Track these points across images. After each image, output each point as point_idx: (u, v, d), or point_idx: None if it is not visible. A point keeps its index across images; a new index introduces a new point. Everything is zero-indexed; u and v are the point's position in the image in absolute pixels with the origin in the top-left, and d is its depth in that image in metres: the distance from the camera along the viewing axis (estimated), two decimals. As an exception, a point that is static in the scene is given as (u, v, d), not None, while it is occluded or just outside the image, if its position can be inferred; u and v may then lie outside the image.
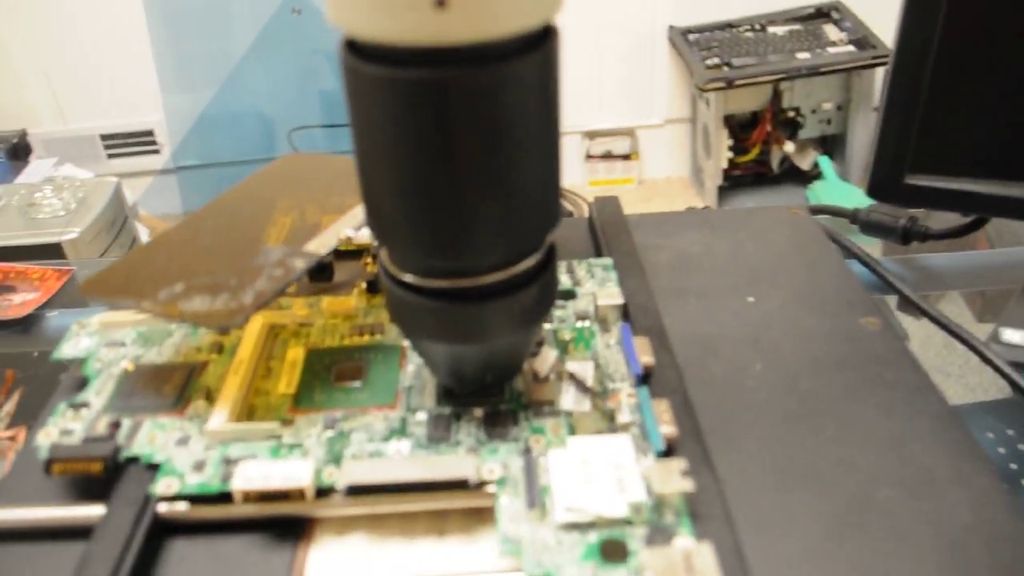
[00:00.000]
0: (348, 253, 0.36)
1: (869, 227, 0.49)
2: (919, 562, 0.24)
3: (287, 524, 0.25)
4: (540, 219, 0.23)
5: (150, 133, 1.91)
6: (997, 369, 0.37)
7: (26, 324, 0.50)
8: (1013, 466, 0.43)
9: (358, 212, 0.31)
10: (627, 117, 1.90)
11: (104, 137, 1.91)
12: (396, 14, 0.18)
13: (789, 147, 1.78)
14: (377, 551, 0.25)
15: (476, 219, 0.22)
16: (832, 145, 1.83)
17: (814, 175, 1.80)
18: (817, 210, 0.51)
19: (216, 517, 0.25)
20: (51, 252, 1.17)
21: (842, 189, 1.71)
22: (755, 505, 0.25)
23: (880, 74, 1.72)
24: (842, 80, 1.72)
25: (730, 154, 1.76)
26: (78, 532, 0.25)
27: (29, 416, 0.37)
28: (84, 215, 1.20)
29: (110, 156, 1.93)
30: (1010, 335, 0.40)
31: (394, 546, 0.25)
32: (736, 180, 1.83)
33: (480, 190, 0.21)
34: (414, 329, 0.25)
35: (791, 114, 1.76)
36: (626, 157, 1.93)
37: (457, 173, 0.21)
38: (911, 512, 0.25)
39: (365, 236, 0.33)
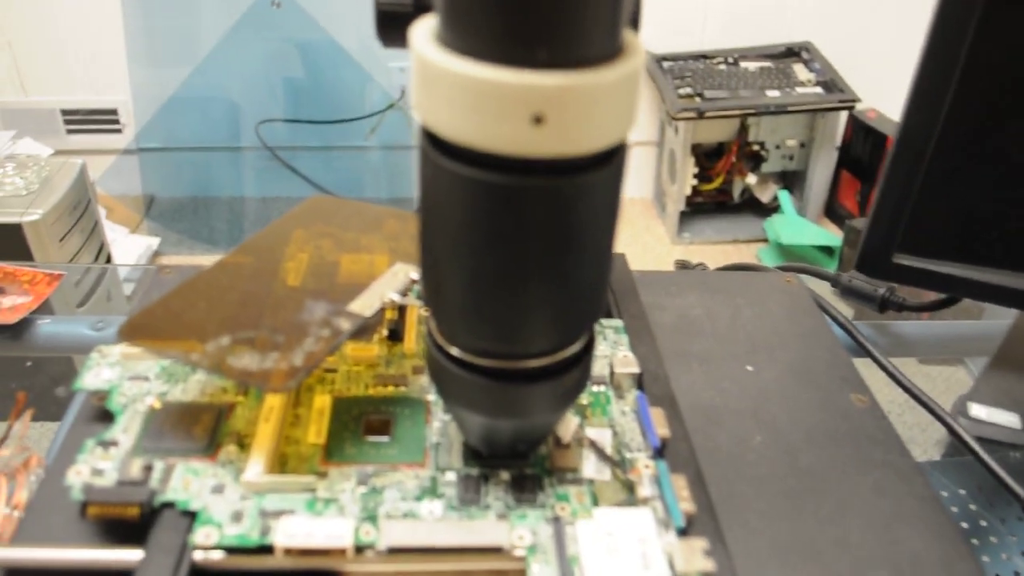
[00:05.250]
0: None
1: (849, 292, 0.52)
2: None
3: (319, 576, 0.26)
4: (591, 312, 0.25)
5: (114, 112, 1.88)
6: (964, 444, 0.40)
7: (16, 330, 0.50)
8: (964, 525, 0.45)
9: (398, 272, 0.32)
10: (596, 136, 1.93)
11: (65, 112, 1.86)
12: (494, 126, 0.20)
13: (751, 179, 1.82)
14: (404, 607, 0.26)
15: (533, 311, 0.23)
16: (792, 180, 1.88)
17: (773, 208, 1.85)
18: (801, 270, 0.53)
19: (252, 567, 0.26)
20: (11, 233, 1.14)
21: (798, 224, 1.76)
22: (761, 582, 0.27)
23: (844, 117, 1.78)
24: (807, 119, 1.77)
25: (694, 181, 1.80)
26: (115, 575, 0.26)
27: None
28: (47, 196, 1.18)
29: (70, 132, 1.88)
30: (977, 411, 0.43)
31: (421, 603, 0.26)
32: (697, 207, 1.87)
33: (542, 285, 0.23)
34: (454, 398, 0.26)
35: (756, 147, 1.81)
36: (592, 175, 1.96)
37: (523, 269, 0.22)
38: (902, 595, 0.27)
39: (410, 301, 0.34)
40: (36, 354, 0.49)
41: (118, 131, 1.89)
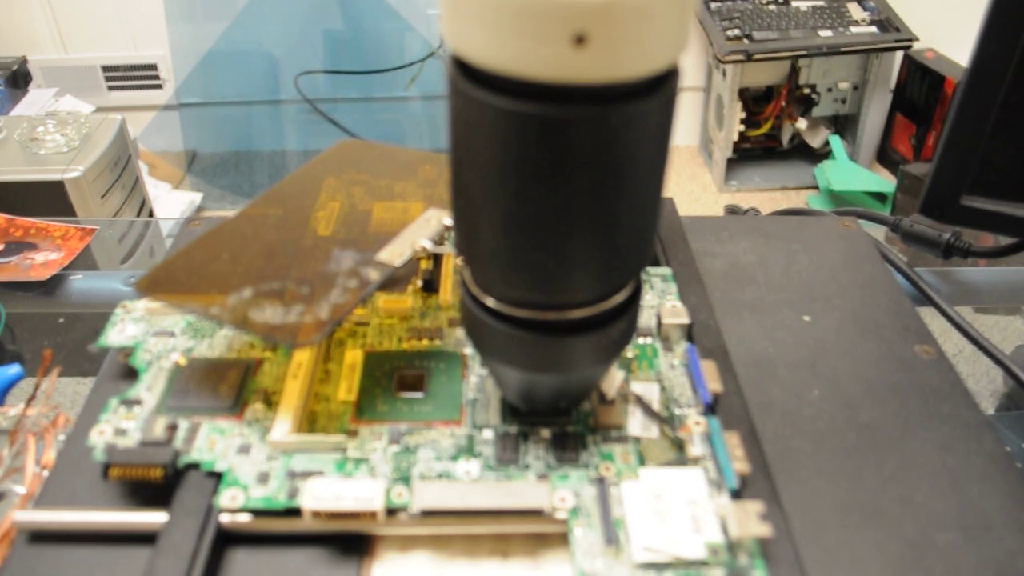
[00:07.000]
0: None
1: (911, 237, 0.49)
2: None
3: (351, 539, 0.25)
4: (638, 258, 0.23)
5: (153, 67, 1.87)
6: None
7: (49, 286, 0.49)
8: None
9: (431, 218, 0.30)
10: (640, 82, 1.87)
11: (106, 68, 1.86)
12: (530, 48, 0.18)
13: (801, 124, 1.76)
14: (440, 570, 0.25)
15: (576, 257, 0.21)
16: (844, 125, 1.81)
17: (824, 153, 1.79)
18: (859, 215, 0.50)
19: (279, 530, 0.25)
20: (53, 189, 1.15)
21: (851, 170, 1.70)
22: (821, 544, 0.25)
23: (899, 58, 1.70)
24: (861, 61, 1.70)
25: (742, 127, 1.74)
26: (139, 537, 0.25)
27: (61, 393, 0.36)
28: (88, 153, 1.18)
29: (111, 88, 1.88)
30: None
31: (458, 566, 0.25)
32: (745, 152, 1.82)
33: (586, 228, 0.21)
34: (491, 352, 0.25)
35: (806, 91, 1.74)
36: (636, 123, 1.91)
37: (565, 210, 0.20)
38: (970, 558, 0.25)
39: (445, 249, 0.32)
40: (69, 310, 0.48)
41: (158, 87, 1.89)
